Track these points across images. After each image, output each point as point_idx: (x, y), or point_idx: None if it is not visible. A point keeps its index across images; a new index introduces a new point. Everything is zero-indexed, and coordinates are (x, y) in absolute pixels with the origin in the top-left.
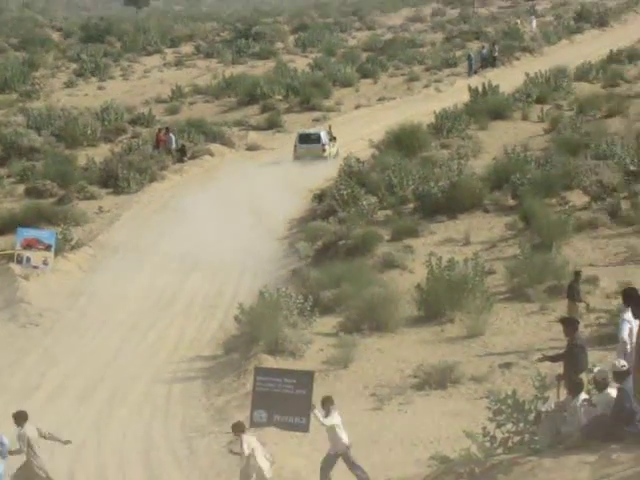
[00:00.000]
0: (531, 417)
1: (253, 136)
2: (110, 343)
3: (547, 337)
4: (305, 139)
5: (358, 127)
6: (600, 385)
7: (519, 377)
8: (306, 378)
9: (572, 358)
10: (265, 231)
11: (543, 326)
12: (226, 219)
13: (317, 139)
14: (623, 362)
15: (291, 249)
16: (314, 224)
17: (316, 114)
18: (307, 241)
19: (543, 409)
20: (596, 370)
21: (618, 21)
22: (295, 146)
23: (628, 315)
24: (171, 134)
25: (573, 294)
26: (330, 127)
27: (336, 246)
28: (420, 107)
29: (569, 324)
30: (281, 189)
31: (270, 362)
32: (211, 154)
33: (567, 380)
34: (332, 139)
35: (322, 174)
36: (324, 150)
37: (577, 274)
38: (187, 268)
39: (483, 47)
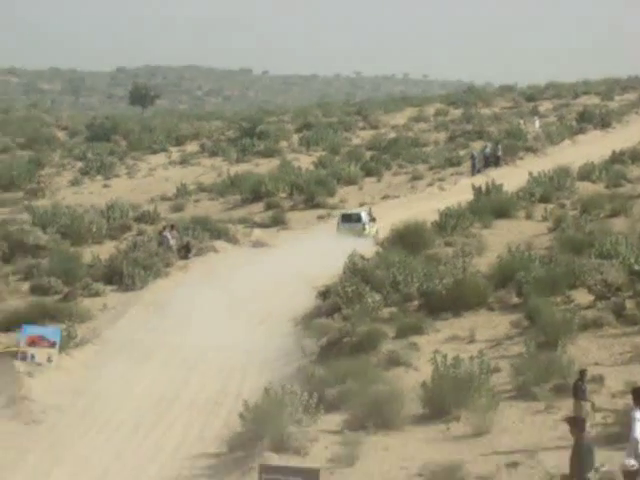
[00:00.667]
0: None
1: (257, 233)
2: (113, 441)
3: (553, 436)
4: (347, 219)
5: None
6: None
7: (526, 476)
8: (312, 476)
9: (579, 458)
10: (270, 328)
11: (549, 425)
12: (231, 315)
13: (358, 219)
14: (633, 462)
15: (296, 346)
16: (319, 321)
17: (320, 211)
18: (312, 338)
19: None
20: (604, 470)
21: (620, 122)
22: (338, 224)
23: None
24: (165, 233)
25: (578, 393)
26: (371, 209)
27: (341, 343)
28: (424, 205)
29: (575, 424)
30: (287, 285)
31: (275, 460)
32: (215, 251)
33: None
34: (372, 220)
35: (328, 271)
36: (364, 229)
37: (582, 373)
38: (191, 365)
39: (486, 146)
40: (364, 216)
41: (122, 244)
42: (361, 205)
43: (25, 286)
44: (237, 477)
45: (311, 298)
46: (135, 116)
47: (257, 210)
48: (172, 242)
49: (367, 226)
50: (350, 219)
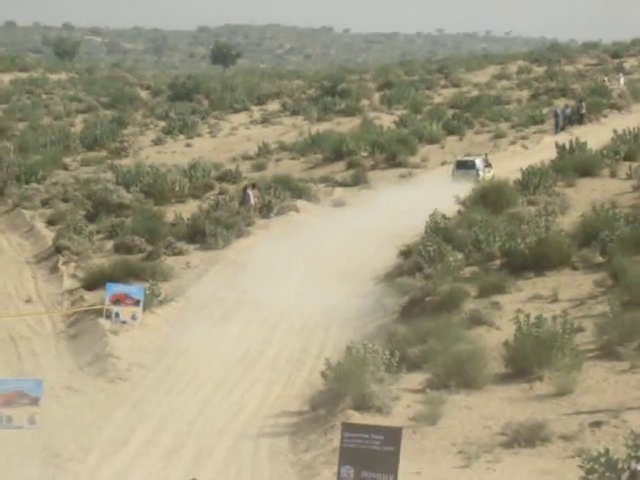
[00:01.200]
0: (625, 476)
1: (339, 192)
2: (197, 398)
3: (638, 396)
4: (462, 165)
5: (443, 183)
6: None
7: (610, 436)
8: (394, 435)
9: None
10: (352, 286)
11: (634, 385)
12: (313, 273)
13: (472, 166)
14: None
15: (377, 305)
16: (400, 280)
17: (402, 170)
18: (393, 297)
19: (639, 468)
20: None
21: None
22: (453, 171)
23: None
24: (249, 191)
25: None
26: (487, 155)
27: (423, 302)
28: (506, 164)
29: None
30: (369, 244)
31: (357, 418)
32: (297, 210)
33: None
34: (488, 166)
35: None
36: (478, 175)
37: None
38: (273, 323)
39: (567, 106)
40: (478, 163)
41: (204, 203)
42: (443, 164)
43: (109, 244)
44: (319, 435)
45: (393, 257)
46: (217, 75)
47: (338, 169)
48: (254, 201)
49: (481, 172)
50: (465, 165)
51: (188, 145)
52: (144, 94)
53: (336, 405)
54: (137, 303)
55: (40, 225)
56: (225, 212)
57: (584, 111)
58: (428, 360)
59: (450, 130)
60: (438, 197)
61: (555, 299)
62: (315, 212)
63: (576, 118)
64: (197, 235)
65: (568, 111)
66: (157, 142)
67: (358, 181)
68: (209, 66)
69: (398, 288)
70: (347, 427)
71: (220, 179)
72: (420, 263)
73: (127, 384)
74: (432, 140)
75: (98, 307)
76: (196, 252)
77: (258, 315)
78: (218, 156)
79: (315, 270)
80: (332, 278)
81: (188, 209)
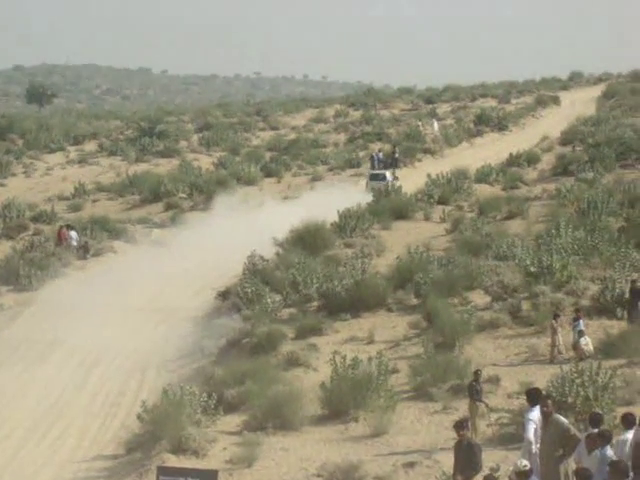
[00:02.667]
0: None
1: (157, 233)
2: (9, 443)
3: (450, 436)
4: (374, 177)
5: (262, 224)
6: None
7: (422, 476)
8: (210, 477)
9: (472, 457)
10: (170, 328)
11: (446, 425)
12: (130, 316)
13: (383, 178)
14: (525, 462)
15: (195, 346)
16: (218, 321)
17: (217, 211)
18: (211, 338)
19: None
20: (513, 468)
21: (517, 125)
22: (367, 182)
23: (533, 415)
24: (72, 231)
25: (473, 394)
26: (394, 169)
27: (240, 344)
28: (325, 206)
29: (462, 426)
30: (187, 285)
31: (173, 461)
32: (114, 251)
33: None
34: (395, 178)
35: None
36: (388, 185)
37: (476, 373)
38: (89, 365)
39: (380, 151)
40: (388, 175)
41: (18, 244)
42: (260, 206)
43: None
44: (134, 479)
45: (212, 298)
46: (32, 115)
47: (156, 210)
48: (75, 242)
49: (390, 183)
50: (377, 177)
51: (2, 185)
52: None
53: (152, 448)
54: None
55: None
56: (40, 253)
57: (397, 155)
58: (245, 402)
59: (268, 172)
60: (256, 238)
61: (371, 340)
62: (133, 253)
63: (390, 162)
64: (11, 276)
65: (381, 155)
66: None
67: (176, 222)
68: (24, 106)
69: (216, 329)
70: (163, 470)
71: (35, 219)
72: (238, 304)
73: None
74: (250, 182)
75: None
76: (10, 293)
77: (73, 357)
78: (33, 196)
79: (133, 312)
80: (150, 320)
81: (1, 250)
